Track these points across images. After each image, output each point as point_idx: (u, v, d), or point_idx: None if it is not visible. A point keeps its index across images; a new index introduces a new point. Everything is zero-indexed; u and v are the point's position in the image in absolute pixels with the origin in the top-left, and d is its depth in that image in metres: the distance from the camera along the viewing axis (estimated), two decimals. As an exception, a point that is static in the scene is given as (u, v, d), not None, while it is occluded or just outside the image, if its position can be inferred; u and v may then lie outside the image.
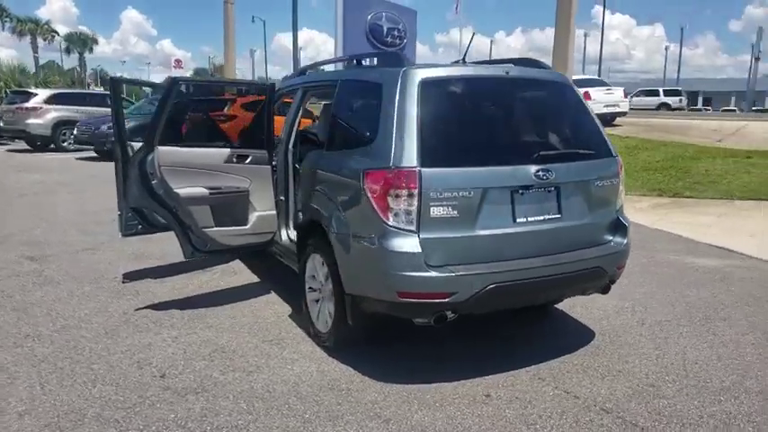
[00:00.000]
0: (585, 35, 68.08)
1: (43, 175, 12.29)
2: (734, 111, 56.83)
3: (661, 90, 36.57)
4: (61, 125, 18.10)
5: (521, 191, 3.31)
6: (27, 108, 18.13)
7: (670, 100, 34.45)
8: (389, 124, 3.26)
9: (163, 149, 4.09)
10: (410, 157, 3.12)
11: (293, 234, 4.65)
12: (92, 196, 9.84)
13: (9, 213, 8.31)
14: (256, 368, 3.59)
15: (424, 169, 3.10)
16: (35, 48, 55.54)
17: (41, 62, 57.61)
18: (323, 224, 3.68)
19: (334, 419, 3.03)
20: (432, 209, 3.12)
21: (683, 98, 35.37)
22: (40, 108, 18.21)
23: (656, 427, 2.97)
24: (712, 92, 74.77)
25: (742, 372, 3.58)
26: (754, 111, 54.69)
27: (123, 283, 5.20)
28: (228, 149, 4.40)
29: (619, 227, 3.76)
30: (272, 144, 4.56)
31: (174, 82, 4.21)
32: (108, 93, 28.96)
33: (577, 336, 4.11)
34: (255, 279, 5.38)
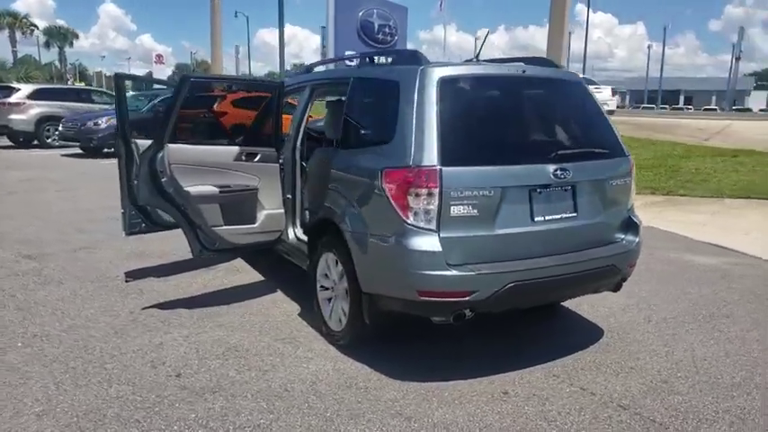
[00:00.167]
0: (570, 33, 68.51)
1: (30, 173, 12.09)
2: (715, 110, 57.80)
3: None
4: (45, 121, 17.80)
5: (539, 190, 3.34)
6: (9, 103, 17.78)
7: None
8: (408, 123, 3.27)
9: (173, 147, 4.06)
10: (430, 155, 3.13)
11: (300, 232, 4.64)
12: (83, 194, 9.72)
13: (0, 212, 8.18)
14: (272, 367, 3.58)
15: (444, 168, 3.11)
16: (13, 42, 54.65)
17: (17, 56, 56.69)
18: (337, 223, 3.68)
19: (355, 418, 3.03)
20: (452, 208, 3.13)
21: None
22: (23, 104, 17.89)
23: (674, 423, 3.02)
24: (693, 91, 75.91)
25: (750, 368, 3.65)
26: (734, 110, 55.71)
27: (126, 281, 5.14)
28: (237, 147, 4.37)
29: (630, 225, 3.81)
30: (280, 142, 4.54)
31: (185, 79, 4.17)
32: (92, 88, 28.43)
33: (587, 333, 4.16)
34: (260, 277, 5.36)
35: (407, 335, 3.99)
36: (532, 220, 3.34)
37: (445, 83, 3.31)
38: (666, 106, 66.09)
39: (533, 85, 3.72)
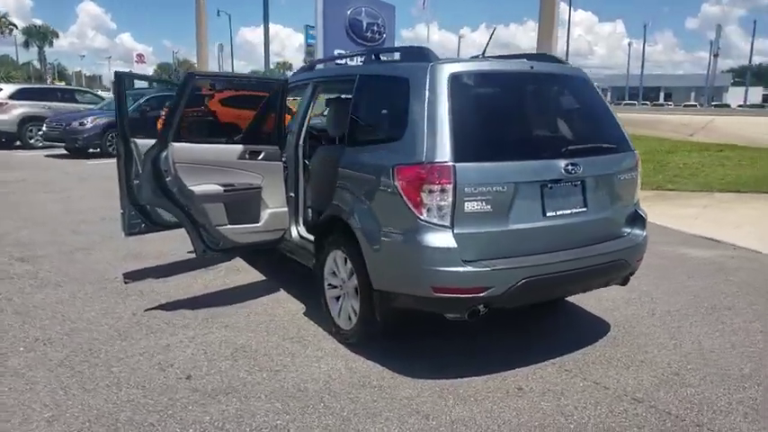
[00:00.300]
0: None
1: (16, 174, 11.89)
2: (695, 105, 58.57)
3: None
4: (27, 121, 17.52)
5: (550, 185, 3.34)
6: (-9, 104, 17.51)
7: None
8: (419, 119, 3.25)
9: (177, 146, 4.00)
10: (443, 151, 3.12)
11: (303, 230, 4.61)
12: (73, 195, 9.58)
13: (-12, 213, 8.02)
14: (283, 367, 3.54)
15: (458, 164, 3.10)
16: (-8, 42, 53.61)
17: (-6, 56, 55.74)
18: (347, 220, 3.65)
19: (372, 416, 3.01)
20: (466, 204, 3.12)
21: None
22: (5, 104, 17.57)
23: (689, 415, 3.04)
24: (673, 87, 76.87)
25: (757, 359, 3.69)
26: (713, 106, 56.51)
27: (126, 283, 5.07)
28: (241, 146, 4.32)
29: (637, 219, 3.83)
30: (283, 140, 4.50)
31: (190, 77, 4.11)
32: (76, 88, 27.96)
33: (593, 327, 4.17)
34: (261, 277, 5.31)
35: (416, 332, 3.99)
36: (544, 215, 3.34)
37: (455, 79, 3.29)
38: (647, 102, 66.91)
39: (541, 80, 3.72)
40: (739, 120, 20.33)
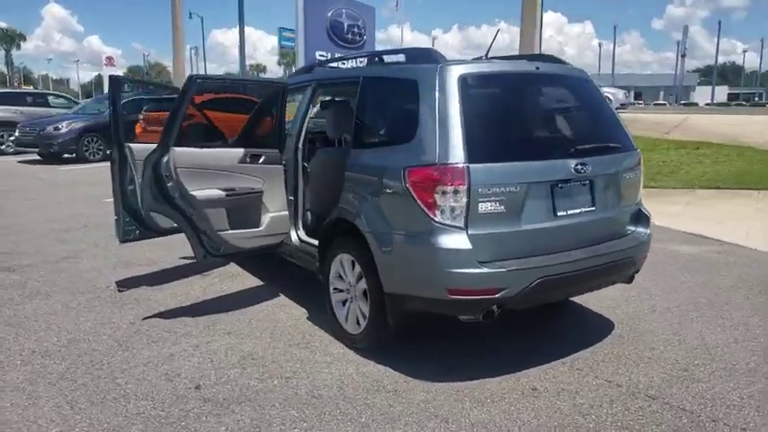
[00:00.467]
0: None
1: (-11, 181, 11.56)
2: (665, 104, 59.75)
3: None
4: (-2, 127, 17.13)
5: (560, 185, 3.34)
6: (-41, 110, 17.03)
7: None
8: (430, 121, 3.23)
9: (178, 150, 3.91)
10: (457, 153, 3.10)
11: (303, 234, 4.55)
12: (51, 202, 9.36)
13: (-35, 222, 7.77)
14: (293, 373, 3.48)
15: (471, 165, 3.08)
16: (-47, 46, 52.09)
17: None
18: (355, 223, 3.61)
19: (392, 422, 2.98)
20: (480, 204, 3.11)
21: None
22: (-26, 109, 17.16)
23: (704, 410, 3.07)
24: (643, 87, 78.32)
25: (761, 353, 3.75)
26: (682, 104, 57.71)
27: (119, 291, 4.94)
28: (242, 149, 4.24)
29: (641, 217, 3.87)
30: (283, 143, 4.44)
31: (192, 79, 4.02)
32: (48, 92, 27.32)
33: (598, 325, 4.20)
34: (259, 282, 5.23)
35: (423, 334, 3.96)
36: (555, 214, 3.35)
37: (465, 80, 3.28)
38: (618, 101, 67.80)
39: (546, 81, 3.73)
40: (710, 118, 20.74)
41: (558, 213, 3.36)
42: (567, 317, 4.41)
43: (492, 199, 3.13)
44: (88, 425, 2.93)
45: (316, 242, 4.32)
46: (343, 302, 3.90)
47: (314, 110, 4.73)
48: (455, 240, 3.09)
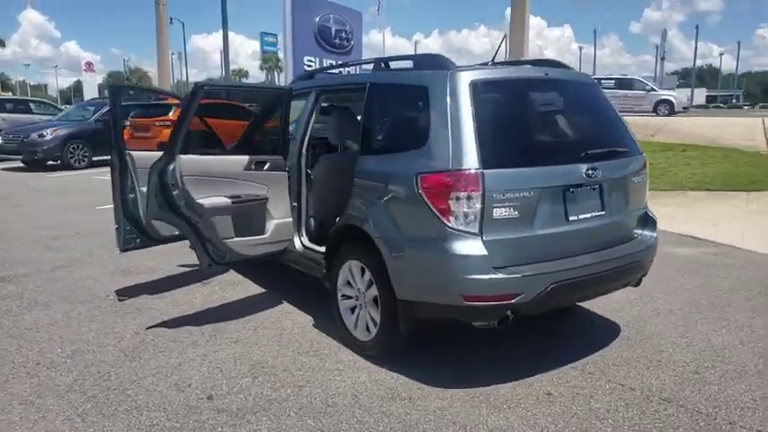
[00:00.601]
0: (506, 36, 70.30)
1: (-26, 189, 11.35)
2: (645, 107, 60.26)
3: None
4: (-20, 134, 16.80)
5: (572, 189, 3.36)
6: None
7: None
8: (442, 127, 3.23)
9: (185, 158, 3.87)
10: (471, 158, 3.10)
11: (306, 240, 4.53)
12: (38, 210, 9.21)
13: (-47, 231, 7.62)
14: (306, 382, 3.45)
15: (485, 171, 3.09)
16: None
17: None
18: (365, 230, 3.59)
19: (410, 429, 2.96)
20: (494, 210, 3.11)
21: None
22: (-45, 116, 16.85)
23: (719, 413, 3.09)
24: (623, 90, 79.17)
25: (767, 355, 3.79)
26: (663, 107, 58.21)
27: (120, 300, 4.87)
28: (247, 156, 4.21)
29: (648, 221, 3.90)
30: (287, 150, 4.41)
31: (199, 87, 3.98)
32: (31, 99, 26.91)
33: (605, 329, 4.22)
34: (260, 290, 5.18)
35: (432, 340, 3.95)
36: (567, 219, 3.36)
37: (476, 86, 3.28)
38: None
39: (555, 86, 3.75)
40: (692, 120, 21.00)
41: (570, 218, 3.37)
42: (573, 320, 4.42)
43: (506, 204, 3.13)
44: (102, 438, 2.88)
45: (320, 249, 4.31)
46: (352, 309, 3.88)
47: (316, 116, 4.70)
48: (470, 246, 3.09)
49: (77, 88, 66.73)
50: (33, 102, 20.80)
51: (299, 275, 4.78)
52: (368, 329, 3.73)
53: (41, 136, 14.80)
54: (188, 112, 3.90)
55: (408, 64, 3.98)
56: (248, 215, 4.18)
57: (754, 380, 3.44)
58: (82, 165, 15.24)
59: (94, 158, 15.54)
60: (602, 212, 3.53)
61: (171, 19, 49.01)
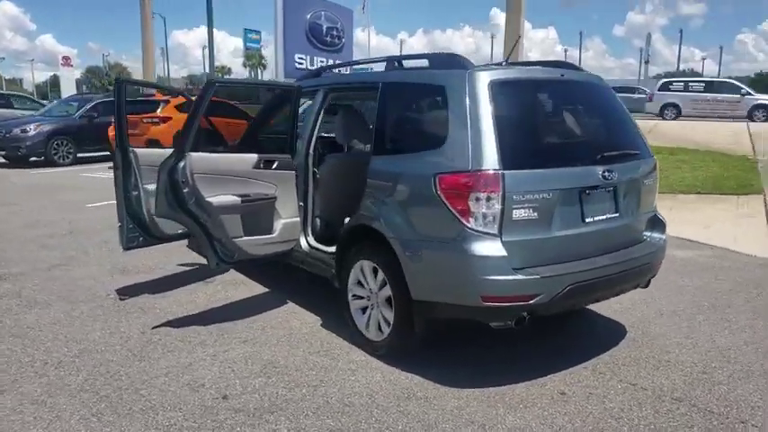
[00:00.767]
0: (493, 37, 70.97)
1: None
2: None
3: None
4: (-40, 130, 16.46)
5: (588, 191, 3.39)
6: None
7: None
8: (461, 127, 3.23)
9: (195, 156, 3.83)
10: (491, 159, 3.11)
11: (312, 240, 4.51)
12: (27, 207, 9.05)
13: (-58, 228, 7.47)
14: (320, 382, 3.44)
15: (506, 171, 3.10)
16: None
17: None
18: (379, 230, 3.58)
19: (429, 428, 2.97)
20: (513, 211, 3.13)
21: None
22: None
23: (731, 412, 3.14)
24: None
25: (772, 355, 3.87)
26: (646, 110, 59.03)
27: (122, 300, 4.81)
28: (256, 155, 4.18)
29: (657, 223, 3.96)
30: (295, 148, 4.39)
31: (211, 83, 3.95)
32: (11, 93, 26.42)
33: (612, 330, 4.27)
34: (264, 289, 5.14)
35: (442, 340, 3.95)
36: (583, 221, 3.40)
37: (495, 86, 3.30)
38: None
39: (571, 88, 3.78)
40: (677, 124, 21.32)
41: (587, 219, 3.40)
42: (580, 321, 4.46)
43: (525, 205, 3.15)
44: (119, 439, 2.85)
45: (328, 249, 4.30)
46: (363, 309, 3.88)
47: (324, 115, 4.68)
48: (490, 247, 3.11)
49: (54, 83, 65.61)
50: (14, 96, 20.43)
51: (302, 275, 4.77)
52: (380, 330, 3.73)
53: (24, 131, 14.55)
54: (199, 109, 3.87)
55: (419, 62, 3.98)
56: (257, 214, 4.15)
57: (762, 380, 3.51)
58: (66, 161, 15.02)
59: (79, 155, 15.33)
60: (616, 214, 3.57)
61: (153, 14, 48.65)
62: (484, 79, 3.30)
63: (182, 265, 5.79)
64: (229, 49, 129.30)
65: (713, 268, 5.87)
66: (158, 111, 13.56)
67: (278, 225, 4.30)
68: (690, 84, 24.80)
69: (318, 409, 3.14)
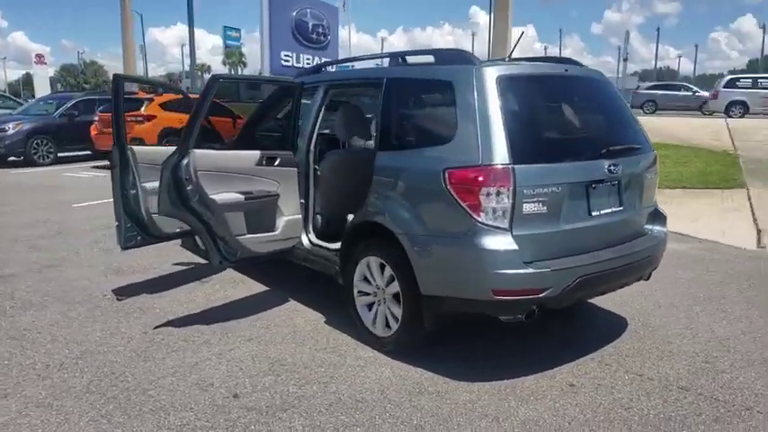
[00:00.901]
0: (474, 34, 71.31)
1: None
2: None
3: None
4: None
5: (594, 185, 3.43)
6: None
7: None
8: (471, 122, 3.24)
9: (199, 153, 3.79)
10: (502, 154, 3.13)
11: (314, 237, 4.49)
12: (10, 208, 8.88)
13: (-75, 230, 7.28)
14: (330, 379, 3.43)
15: (516, 166, 3.12)
16: None
17: None
18: (387, 226, 3.58)
19: (444, 422, 2.98)
20: (524, 205, 3.15)
21: None
22: None
23: (736, 399, 3.21)
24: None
25: (770, 343, 3.95)
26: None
27: (119, 300, 4.74)
28: (258, 152, 4.15)
29: (658, 216, 4.01)
30: (296, 145, 4.37)
31: (214, 79, 3.90)
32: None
33: (612, 322, 4.32)
34: (263, 287, 5.10)
35: (446, 336, 3.97)
36: (590, 214, 3.43)
37: (503, 81, 3.32)
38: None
39: (575, 83, 3.81)
40: (659, 119, 21.65)
41: (593, 213, 3.44)
42: (583, 314, 4.50)
43: (535, 200, 3.18)
44: (133, 439, 2.81)
45: (331, 246, 4.29)
46: (369, 306, 3.87)
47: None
48: (501, 241, 3.12)
49: (27, 81, 64.35)
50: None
51: (303, 273, 4.75)
52: (387, 325, 3.74)
53: (3, 130, 14.28)
54: (203, 105, 3.82)
55: (421, 58, 3.98)
56: (260, 211, 4.13)
57: (762, 368, 3.58)
58: (46, 161, 14.77)
59: (60, 154, 15.08)
60: (620, 208, 3.62)
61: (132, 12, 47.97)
62: (492, 74, 3.32)
63: (177, 264, 5.73)
64: (207, 46, 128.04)
65: (704, 261, 5.98)
66: (142, 109, 13.39)
67: (280, 222, 4.28)
68: (759, 80, 24.55)
69: (331, 406, 3.13)
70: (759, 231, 7.09)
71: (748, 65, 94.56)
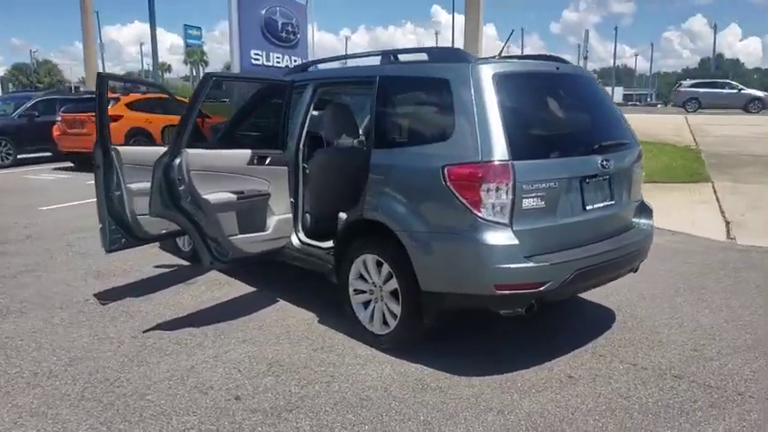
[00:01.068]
0: (437, 33, 71.78)
1: None
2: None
3: None
4: None
5: (587, 180, 3.49)
6: None
7: None
8: (468, 119, 3.27)
9: (191, 152, 3.72)
10: (501, 150, 3.16)
11: (303, 236, 4.46)
12: (-23, 212, 8.53)
13: None
14: (331, 378, 3.42)
15: (515, 162, 3.16)
16: None
17: None
18: (385, 223, 3.58)
19: (450, 417, 3.00)
20: (523, 200, 3.19)
21: None
22: None
23: (728, 385, 3.31)
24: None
25: (751, 331, 4.08)
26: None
27: (103, 304, 4.62)
28: (249, 151, 4.10)
29: (644, 210, 4.11)
30: (286, 144, 4.33)
31: (208, 78, 3.83)
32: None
33: (600, 314, 4.42)
34: (250, 288, 5.03)
35: (443, 331, 3.99)
36: (584, 208, 3.50)
37: (499, 78, 3.35)
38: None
39: (566, 80, 3.88)
40: (629, 116, 22.13)
41: (587, 207, 3.51)
42: (572, 306, 4.57)
43: (534, 195, 3.22)
44: (137, 446, 2.75)
45: (321, 244, 4.27)
46: (365, 304, 3.87)
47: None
48: (502, 236, 3.16)
49: (-24, 81, 62.13)
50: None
51: (291, 272, 4.71)
52: (385, 323, 3.73)
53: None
54: (195, 104, 3.75)
55: (413, 56, 3.99)
56: (251, 211, 4.08)
57: (748, 354, 3.71)
58: (6, 163, 14.32)
59: (20, 156, 14.62)
60: (612, 202, 3.70)
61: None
62: (488, 72, 3.35)
63: (158, 267, 5.61)
64: (166, 45, 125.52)
65: (681, 252, 6.15)
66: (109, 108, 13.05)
67: (271, 222, 4.24)
68: None
69: (336, 405, 3.11)
70: (728, 223, 7.34)
71: (700, 64, 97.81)
